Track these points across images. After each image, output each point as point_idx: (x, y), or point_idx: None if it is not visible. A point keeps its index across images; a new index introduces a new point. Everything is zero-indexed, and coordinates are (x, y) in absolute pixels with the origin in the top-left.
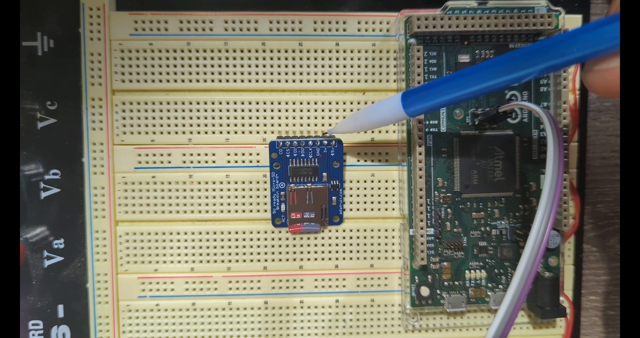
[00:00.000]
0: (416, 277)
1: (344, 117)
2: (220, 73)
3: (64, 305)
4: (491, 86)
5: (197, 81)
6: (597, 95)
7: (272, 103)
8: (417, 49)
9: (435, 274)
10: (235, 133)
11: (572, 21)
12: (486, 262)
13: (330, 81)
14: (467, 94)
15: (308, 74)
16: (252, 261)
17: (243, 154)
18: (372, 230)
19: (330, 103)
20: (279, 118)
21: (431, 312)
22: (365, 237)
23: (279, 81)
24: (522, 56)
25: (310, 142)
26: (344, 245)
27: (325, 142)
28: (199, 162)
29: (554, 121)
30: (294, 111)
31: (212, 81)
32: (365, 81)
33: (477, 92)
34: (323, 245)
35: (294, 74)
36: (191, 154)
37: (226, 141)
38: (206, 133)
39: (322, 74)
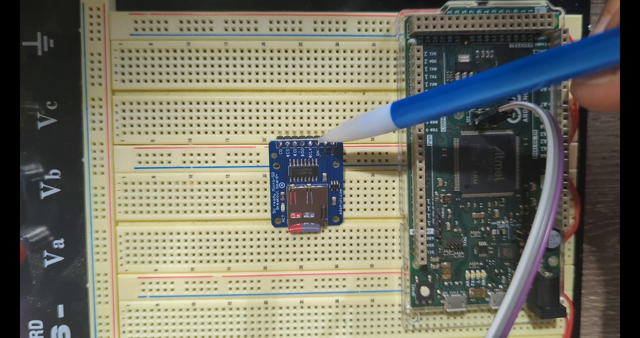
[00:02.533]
0: (416, 277)
1: (344, 118)
2: (220, 73)
3: (64, 305)
4: (482, 100)
5: (197, 81)
6: (585, 107)
7: (272, 103)
8: (417, 49)
9: (435, 274)
10: (235, 133)
11: (572, 21)
12: (486, 262)
13: (330, 81)
14: (457, 108)
15: (308, 74)
16: (252, 261)
17: (243, 154)
18: (372, 230)
19: (330, 103)
20: (279, 118)
21: (431, 312)
22: (365, 237)
23: (279, 81)
24: (514, 69)
25: (310, 142)
26: (344, 245)
27: (325, 142)
28: (199, 162)
29: (554, 121)
30: (294, 111)
31: (212, 81)
32: (365, 81)
33: (468, 106)
34: (323, 245)
35: (294, 74)
36: (191, 154)
37: (226, 141)
38: (206, 133)
39: (322, 74)
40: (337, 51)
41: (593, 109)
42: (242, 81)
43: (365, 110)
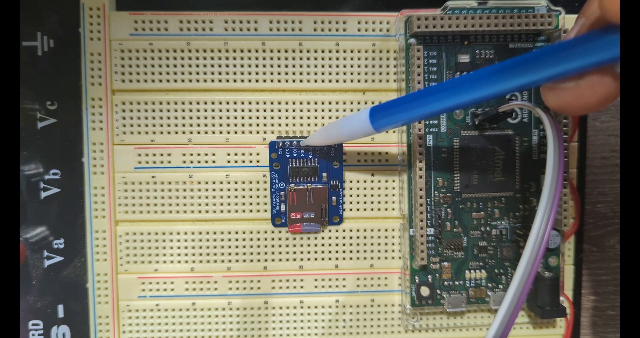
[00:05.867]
0: (416, 277)
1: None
2: (220, 73)
3: (64, 305)
4: (459, 104)
5: (197, 81)
6: (553, 110)
7: (272, 103)
8: (417, 49)
9: (435, 274)
10: (235, 133)
11: (572, 21)
12: (486, 262)
13: (330, 81)
14: (435, 112)
15: (308, 74)
16: (252, 261)
17: (243, 154)
18: (372, 230)
19: (330, 103)
20: (279, 118)
21: (431, 312)
22: (365, 237)
23: (279, 81)
24: (489, 74)
25: None
26: (344, 245)
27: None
28: (199, 162)
29: (554, 121)
30: (294, 111)
31: (212, 81)
32: (365, 81)
33: (445, 110)
34: (323, 245)
35: (294, 74)
36: (191, 154)
37: (226, 141)
38: (206, 133)
39: (322, 74)
40: (337, 51)
41: (558, 111)
42: (242, 81)
43: None
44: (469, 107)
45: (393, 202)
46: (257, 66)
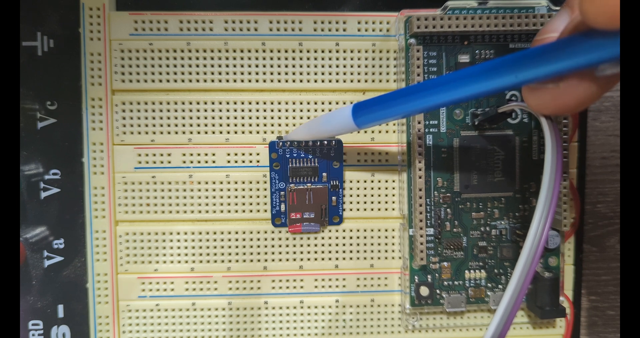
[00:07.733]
0: (416, 277)
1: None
2: (220, 73)
3: (64, 305)
4: (441, 103)
5: (197, 81)
6: (534, 110)
7: (272, 103)
8: (417, 49)
9: (435, 274)
10: (235, 133)
11: None
12: (486, 262)
13: (330, 81)
14: (416, 110)
15: (308, 74)
16: (252, 261)
17: (243, 154)
18: (372, 230)
19: (330, 103)
20: (279, 118)
21: (431, 312)
22: (365, 237)
23: (279, 81)
24: (472, 74)
25: (310, 142)
26: (344, 245)
27: (325, 142)
28: (199, 162)
29: (552, 122)
30: (294, 111)
31: (212, 81)
32: (365, 81)
33: (428, 108)
34: (323, 245)
35: (294, 74)
36: (191, 154)
37: (226, 141)
38: (206, 133)
39: (322, 74)
40: (337, 51)
41: (539, 112)
42: (242, 81)
43: None
44: (469, 107)
45: (393, 202)
46: (257, 66)
